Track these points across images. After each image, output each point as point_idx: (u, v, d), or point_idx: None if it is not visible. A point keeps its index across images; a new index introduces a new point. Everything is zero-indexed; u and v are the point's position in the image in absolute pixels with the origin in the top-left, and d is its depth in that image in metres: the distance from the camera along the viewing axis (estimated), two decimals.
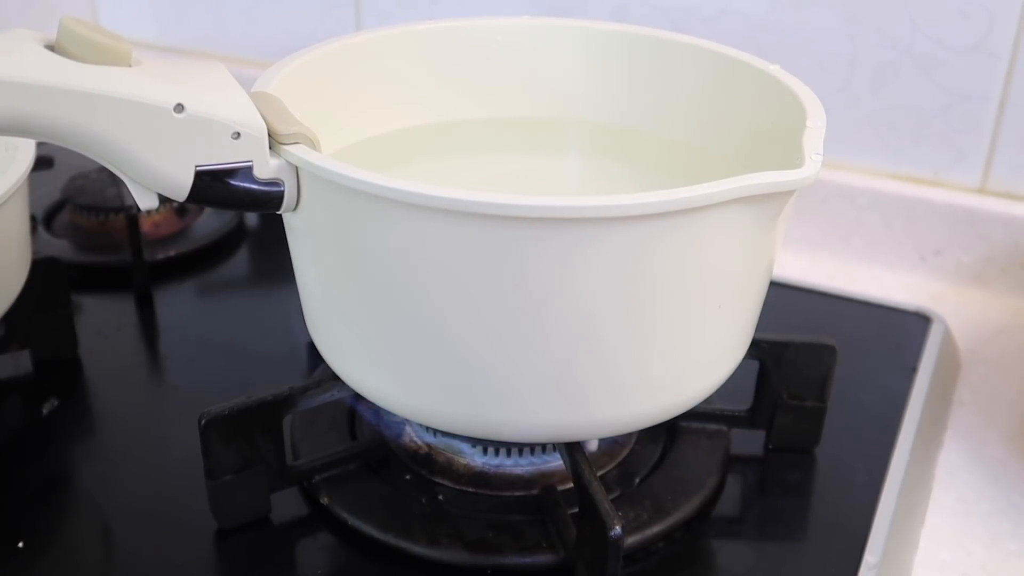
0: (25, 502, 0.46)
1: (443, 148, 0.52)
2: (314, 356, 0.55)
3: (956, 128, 0.65)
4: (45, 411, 0.52)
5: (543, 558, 0.42)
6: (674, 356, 0.39)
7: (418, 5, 0.76)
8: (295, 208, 0.38)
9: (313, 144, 0.37)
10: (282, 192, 0.37)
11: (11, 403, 0.53)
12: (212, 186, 0.36)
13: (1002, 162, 0.65)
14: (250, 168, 0.36)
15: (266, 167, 0.37)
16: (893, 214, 0.67)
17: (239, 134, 0.36)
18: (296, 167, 0.37)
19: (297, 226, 0.40)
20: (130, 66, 0.35)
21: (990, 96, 0.64)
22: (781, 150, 0.42)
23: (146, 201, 0.37)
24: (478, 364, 0.38)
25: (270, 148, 0.37)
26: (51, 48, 0.34)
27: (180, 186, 0.36)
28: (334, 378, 0.44)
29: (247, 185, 0.37)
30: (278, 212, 0.39)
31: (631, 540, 0.43)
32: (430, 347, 0.38)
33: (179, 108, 0.35)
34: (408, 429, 0.48)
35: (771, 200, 0.36)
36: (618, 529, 0.38)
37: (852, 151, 0.68)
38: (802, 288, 0.63)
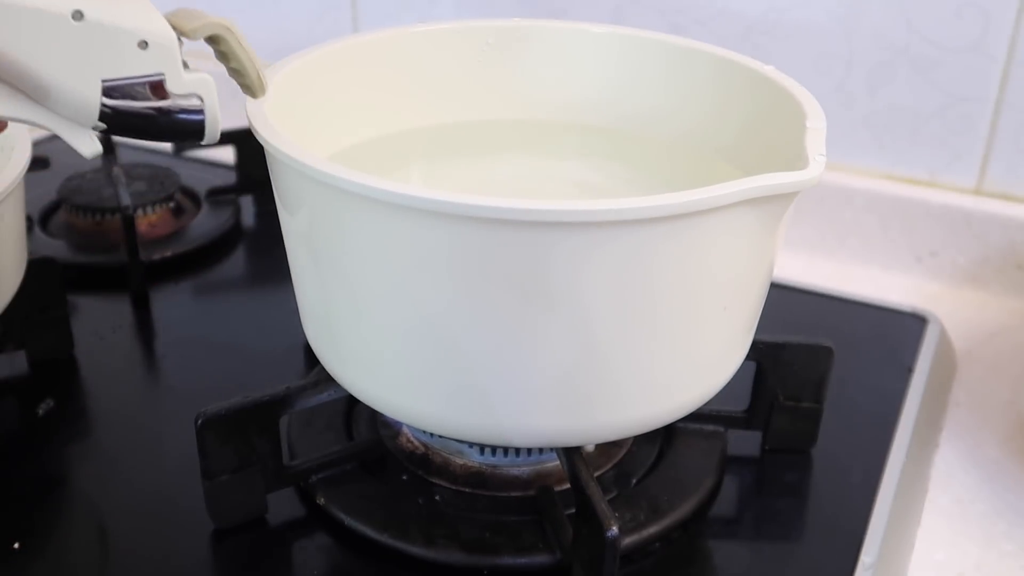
0: (21, 503, 0.46)
1: (441, 151, 0.52)
2: (311, 356, 0.55)
3: (952, 129, 0.65)
4: (41, 412, 0.52)
5: (540, 559, 0.42)
6: (680, 359, 0.39)
7: (415, 7, 0.76)
8: (217, 140, 0.37)
9: (229, 32, 0.36)
10: (202, 113, 0.35)
11: (7, 404, 0.53)
12: (123, 106, 0.34)
13: (998, 163, 0.65)
14: (162, 82, 0.34)
15: (180, 81, 0.35)
16: (889, 215, 0.67)
17: (146, 43, 0.33)
18: (213, 84, 0.36)
19: (293, 229, 0.40)
20: None
21: (986, 97, 0.64)
22: (777, 151, 0.42)
23: (81, 143, 0.35)
24: (480, 370, 0.38)
25: (185, 65, 0.35)
26: None
27: (89, 106, 0.34)
28: (331, 378, 0.44)
29: (161, 104, 0.35)
30: (203, 144, 0.37)
31: (628, 541, 0.43)
32: (429, 353, 0.38)
33: (78, 15, 0.32)
34: (405, 429, 0.48)
35: (775, 201, 0.36)
36: (615, 530, 0.38)
37: (848, 152, 0.68)
38: (799, 289, 0.63)
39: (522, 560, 0.42)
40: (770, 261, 0.40)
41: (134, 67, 0.34)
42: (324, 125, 0.47)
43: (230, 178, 0.74)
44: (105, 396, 0.54)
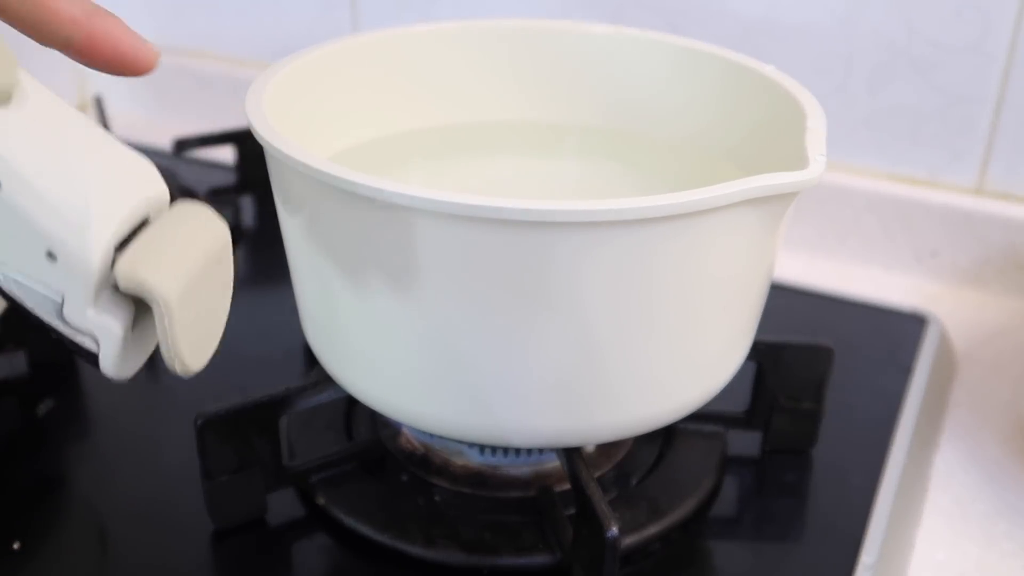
0: (20, 503, 0.46)
1: (441, 151, 0.52)
2: (310, 356, 0.55)
3: (952, 129, 0.65)
4: (40, 412, 0.52)
5: (540, 559, 0.42)
6: (680, 359, 0.39)
7: (415, 6, 0.76)
8: (127, 376, 0.29)
9: (164, 309, 0.26)
10: (95, 356, 0.27)
11: (6, 404, 0.52)
12: (14, 297, 0.27)
13: (998, 163, 0.65)
14: (58, 304, 0.27)
15: (80, 315, 0.26)
16: (890, 215, 0.67)
17: (54, 256, 0.26)
18: (118, 338, 0.27)
19: (293, 229, 0.40)
20: (2, 105, 0.27)
21: (986, 97, 0.64)
22: (777, 151, 0.42)
23: None
24: (480, 370, 0.38)
25: (115, 288, 0.27)
26: None
27: None
28: (330, 379, 0.44)
29: (52, 323, 0.27)
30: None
31: (628, 541, 0.43)
32: (429, 353, 0.38)
33: None
34: (405, 429, 0.48)
35: (776, 202, 0.36)
36: (615, 530, 0.38)
37: (849, 152, 0.68)
38: (799, 289, 0.63)
39: (522, 560, 0.42)
40: (770, 261, 0.40)
41: (34, 270, 0.26)
42: (324, 125, 0.47)
43: (230, 178, 0.74)
44: (105, 396, 0.54)
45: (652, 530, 0.44)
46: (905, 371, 0.56)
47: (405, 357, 0.39)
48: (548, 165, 0.52)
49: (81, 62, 0.30)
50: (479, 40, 0.51)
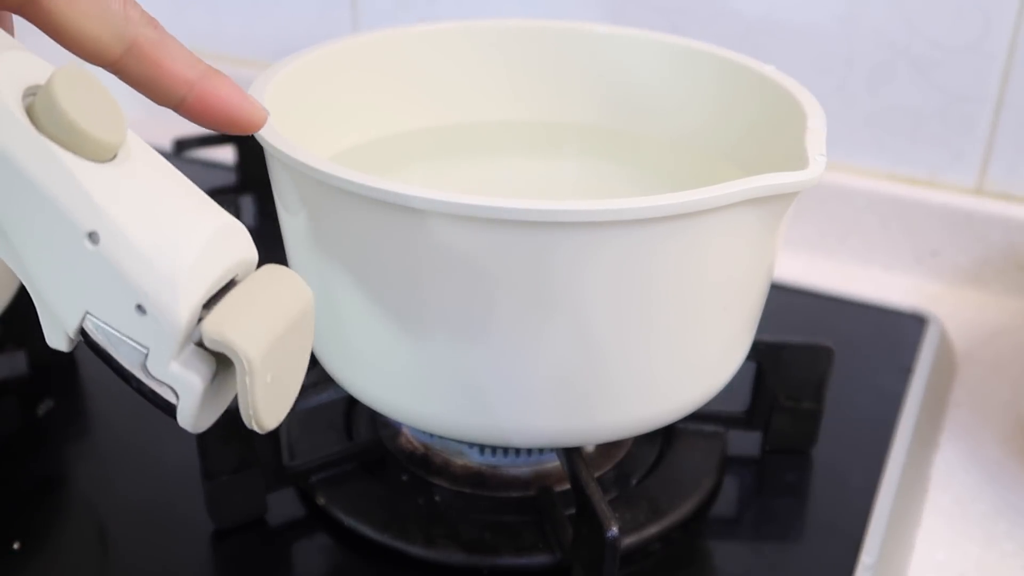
0: (20, 503, 0.46)
1: (440, 152, 0.52)
2: (310, 356, 0.55)
3: (953, 129, 0.65)
4: (40, 412, 0.52)
5: (540, 559, 0.42)
6: (680, 359, 0.39)
7: (415, 6, 0.76)
8: (202, 429, 0.29)
9: (247, 368, 0.27)
10: (174, 407, 0.28)
11: (7, 404, 0.53)
12: (98, 345, 0.28)
13: (998, 163, 0.65)
14: (143, 355, 0.28)
15: (163, 368, 0.27)
16: (890, 215, 0.67)
17: (144, 310, 0.27)
18: (198, 392, 0.28)
19: (293, 229, 0.40)
20: (108, 160, 0.28)
21: (986, 97, 0.64)
22: (777, 151, 0.42)
23: (50, 331, 0.29)
24: (481, 370, 0.38)
25: (200, 344, 0.27)
26: (31, 94, 0.26)
27: (64, 321, 0.28)
28: (330, 378, 0.44)
29: (135, 372, 0.28)
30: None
31: (628, 541, 0.43)
32: (429, 353, 0.38)
33: (93, 238, 0.26)
34: (405, 429, 0.48)
35: (776, 201, 0.36)
36: (615, 530, 0.38)
37: (849, 152, 0.68)
38: (799, 289, 0.63)
39: (522, 560, 0.42)
40: (770, 261, 0.40)
41: (122, 322, 0.27)
42: (324, 125, 0.47)
43: (230, 178, 0.74)
44: (105, 397, 0.54)
45: (652, 530, 0.44)
46: (905, 371, 0.56)
47: (405, 357, 0.39)
48: (548, 165, 0.52)
49: (190, 119, 0.31)
50: (479, 40, 0.51)
